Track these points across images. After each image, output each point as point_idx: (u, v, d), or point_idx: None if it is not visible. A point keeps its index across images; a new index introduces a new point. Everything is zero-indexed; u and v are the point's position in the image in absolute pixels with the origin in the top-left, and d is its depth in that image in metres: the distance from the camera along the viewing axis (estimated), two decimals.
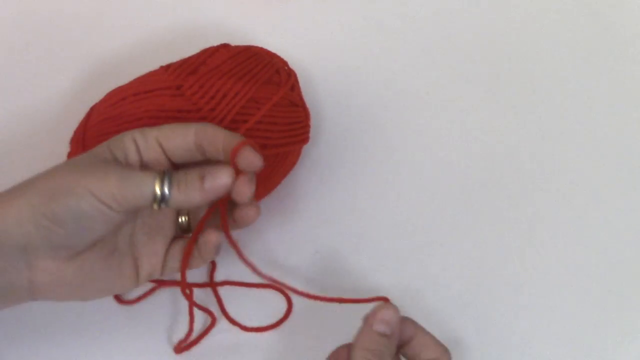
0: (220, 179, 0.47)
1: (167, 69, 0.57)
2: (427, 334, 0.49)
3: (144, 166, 0.49)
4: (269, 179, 0.58)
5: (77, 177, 0.46)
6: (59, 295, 0.48)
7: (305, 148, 0.61)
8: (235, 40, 0.60)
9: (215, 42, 0.59)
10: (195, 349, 0.55)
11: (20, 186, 0.47)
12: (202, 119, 0.54)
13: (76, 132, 0.57)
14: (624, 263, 0.60)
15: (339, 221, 0.60)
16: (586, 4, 0.72)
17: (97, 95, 0.58)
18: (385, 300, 0.49)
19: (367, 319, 0.48)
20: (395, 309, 0.48)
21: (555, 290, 0.58)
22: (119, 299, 0.56)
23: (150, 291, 0.56)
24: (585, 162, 0.64)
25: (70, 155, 0.56)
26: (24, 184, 0.47)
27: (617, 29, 0.71)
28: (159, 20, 0.69)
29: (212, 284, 0.56)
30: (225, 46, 0.59)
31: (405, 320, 0.49)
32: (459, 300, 0.57)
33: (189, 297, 0.52)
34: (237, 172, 0.48)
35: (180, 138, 0.49)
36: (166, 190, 0.46)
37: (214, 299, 0.56)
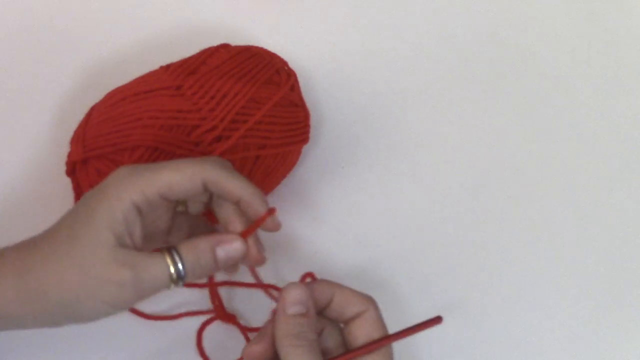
0: (234, 250, 0.47)
1: (167, 69, 0.57)
2: (345, 289, 0.47)
3: (148, 221, 0.47)
4: (269, 178, 0.58)
5: (92, 291, 0.44)
6: None
7: (305, 148, 0.61)
8: (235, 40, 0.60)
9: (215, 42, 0.59)
10: (195, 349, 0.55)
11: (31, 285, 0.45)
12: (202, 119, 0.54)
13: (76, 132, 0.57)
14: (624, 263, 0.60)
15: (339, 221, 0.60)
16: (586, 4, 0.72)
17: (97, 95, 0.58)
18: (438, 319, 0.47)
19: (279, 306, 0.46)
20: (301, 285, 0.46)
21: (555, 290, 0.58)
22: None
23: None
24: (585, 161, 0.64)
25: (70, 155, 0.56)
26: (36, 287, 0.45)
27: (617, 29, 0.71)
28: (159, 20, 0.68)
29: (211, 284, 0.56)
30: (225, 46, 0.59)
31: (320, 283, 0.47)
32: (459, 300, 0.57)
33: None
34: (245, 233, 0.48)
35: (187, 191, 0.47)
36: (180, 268, 0.45)
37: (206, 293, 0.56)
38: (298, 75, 0.60)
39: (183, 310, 0.56)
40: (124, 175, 0.46)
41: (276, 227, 0.49)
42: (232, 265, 0.48)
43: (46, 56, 0.67)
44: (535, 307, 0.58)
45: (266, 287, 0.56)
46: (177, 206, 0.51)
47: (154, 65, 0.58)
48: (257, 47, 0.60)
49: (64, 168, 0.56)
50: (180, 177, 0.46)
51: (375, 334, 0.46)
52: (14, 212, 0.59)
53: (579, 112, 0.66)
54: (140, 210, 0.46)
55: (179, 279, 0.45)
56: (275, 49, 0.61)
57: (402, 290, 0.57)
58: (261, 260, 0.49)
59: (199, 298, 0.56)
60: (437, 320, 0.47)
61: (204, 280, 0.56)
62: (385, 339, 0.46)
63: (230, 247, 0.47)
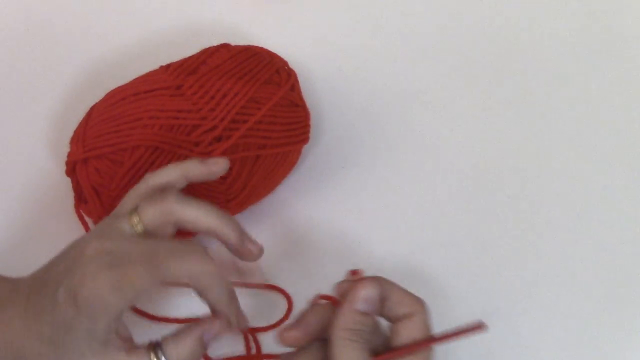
0: (218, 331, 0.47)
1: (167, 69, 0.57)
2: (400, 289, 0.47)
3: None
4: (269, 179, 0.58)
5: None
6: None
7: (305, 148, 0.61)
8: (235, 40, 0.60)
9: (215, 42, 0.59)
10: None
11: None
12: (202, 119, 0.54)
13: (76, 132, 0.57)
14: (624, 263, 0.60)
15: (339, 221, 0.60)
16: (586, 4, 0.72)
17: (97, 95, 0.58)
18: (481, 326, 0.47)
19: (349, 298, 0.46)
20: (375, 285, 0.46)
21: (556, 290, 0.58)
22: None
23: None
24: (586, 161, 0.64)
25: (70, 155, 0.56)
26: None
27: (617, 29, 0.71)
28: (159, 20, 0.69)
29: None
30: (225, 46, 0.59)
31: (379, 281, 0.47)
32: (459, 300, 0.57)
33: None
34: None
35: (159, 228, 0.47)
36: None
37: None
38: (298, 75, 0.60)
39: (184, 310, 0.56)
40: (97, 283, 0.43)
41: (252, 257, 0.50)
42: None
43: (46, 56, 0.67)
44: (536, 307, 0.58)
45: (266, 287, 0.56)
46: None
47: (154, 65, 0.58)
48: (257, 47, 0.60)
49: (64, 168, 0.56)
50: (154, 215, 0.47)
51: (420, 336, 0.46)
52: (14, 212, 0.59)
53: (580, 111, 0.66)
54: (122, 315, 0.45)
55: None
56: (275, 49, 0.61)
57: None
58: (244, 324, 0.49)
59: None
60: (480, 326, 0.47)
61: None
62: (429, 341, 0.46)
63: (214, 329, 0.47)
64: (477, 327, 0.47)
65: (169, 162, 0.53)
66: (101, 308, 0.43)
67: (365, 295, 0.46)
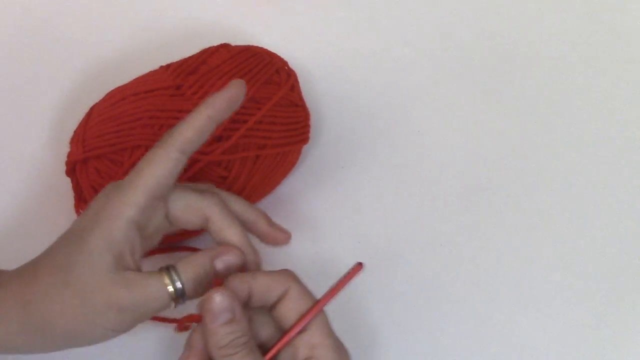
0: (232, 259, 0.47)
1: (167, 69, 0.57)
2: (259, 275, 0.46)
3: (145, 238, 0.47)
4: (269, 178, 0.58)
5: (93, 317, 0.44)
6: None
7: (305, 148, 0.61)
8: (235, 40, 0.60)
9: (215, 42, 0.59)
10: None
11: (33, 317, 0.44)
12: None
13: (76, 132, 0.57)
14: (625, 263, 0.60)
15: (339, 221, 0.60)
16: (586, 4, 0.72)
17: (97, 95, 0.58)
18: (359, 267, 0.46)
19: (204, 319, 0.44)
20: (221, 291, 0.44)
21: (556, 290, 0.58)
22: None
23: None
24: (586, 161, 0.64)
25: (70, 155, 0.56)
26: (38, 319, 0.44)
27: (617, 29, 0.71)
28: (159, 20, 0.69)
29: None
30: (225, 46, 0.59)
31: (233, 279, 0.45)
32: (459, 300, 0.57)
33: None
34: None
35: (189, 222, 0.48)
36: (180, 287, 0.45)
37: None
38: (298, 75, 0.60)
39: (184, 310, 0.55)
40: (110, 192, 0.46)
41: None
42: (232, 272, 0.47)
43: (46, 56, 0.67)
44: (537, 307, 0.58)
45: None
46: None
47: (154, 65, 0.58)
48: (257, 47, 0.60)
49: (64, 168, 0.56)
50: (162, 170, 0.46)
51: (305, 307, 0.45)
52: (14, 212, 0.59)
53: (580, 112, 0.66)
54: (138, 223, 0.45)
55: (180, 298, 0.45)
56: (275, 49, 0.61)
57: (402, 291, 0.57)
58: (258, 266, 0.49)
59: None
60: (357, 268, 0.46)
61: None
62: (314, 307, 0.45)
63: (228, 257, 0.47)
64: (355, 270, 0.46)
65: None
66: (119, 210, 0.44)
67: (216, 307, 0.44)
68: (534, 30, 0.70)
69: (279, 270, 0.46)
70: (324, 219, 0.60)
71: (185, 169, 0.54)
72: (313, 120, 0.61)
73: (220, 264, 0.46)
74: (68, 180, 0.57)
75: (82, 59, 0.66)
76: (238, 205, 0.50)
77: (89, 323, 0.44)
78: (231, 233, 0.48)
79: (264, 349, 0.45)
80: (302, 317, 0.44)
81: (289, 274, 0.46)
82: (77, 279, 0.44)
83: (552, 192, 0.62)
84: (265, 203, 0.59)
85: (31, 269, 0.46)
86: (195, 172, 0.54)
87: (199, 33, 0.68)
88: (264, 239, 0.51)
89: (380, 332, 0.55)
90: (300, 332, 0.45)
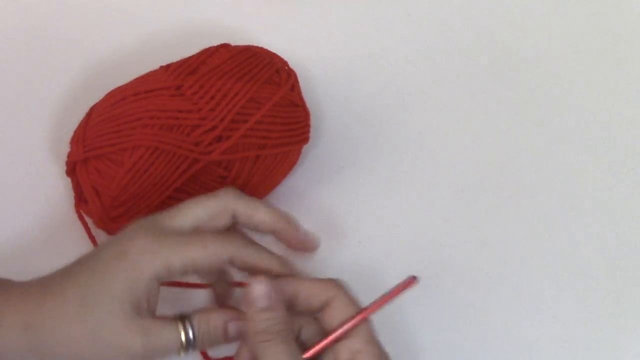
0: (244, 327, 0.46)
1: (167, 69, 0.57)
2: (306, 280, 0.46)
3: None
4: (269, 179, 0.58)
5: (101, 357, 0.44)
6: None
7: (305, 148, 0.61)
8: (235, 40, 0.60)
9: (215, 42, 0.59)
10: None
11: (38, 340, 0.44)
12: (202, 119, 0.54)
13: (76, 132, 0.57)
14: (624, 263, 0.60)
15: (339, 221, 0.60)
16: (586, 4, 0.72)
17: (97, 95, 0.58)
18: (413, 280, 0.45)
19: (244, 305, 0.45)
20: (261, 279, 0.45)
21: (556, 290, 0.58)
22: None
23: None
24: (586, 162, 0.64)
25: (70, 155, 0.56)
26: (43, 343, 0.44)
27: (617, 29, 0.71)
28: (159, 20, 0.68)
29: (212, 284, 0.56)
30: (225, 46, 0.59)
31: (281, 281, 0.46)
32: (459, 300, 0.57)
33: None
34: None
35: (210, 266, 0.46)
36: (191, 338, 0.45)
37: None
38: (298, 75, 0.60)
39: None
40: (147, 244, 0.45)
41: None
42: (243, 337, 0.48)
43: (46, 56, 0.67)
44: (537, 307, 0.58)
45: None
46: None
47: (154, 65, 0.58)
48: (257, 47, 0.60)
49: (64, 168, 0.56)
50: (206, 255, 0.46)
51: (349, 315, 0.45)
52: (14, 212, 0.59)
53: (580, 112, 0.66)
54: (162, 281, 0.46)
55: (189, 348, 0.45)
56: (275, 49, 0.61)
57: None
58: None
59: (199, 298, 0.56)
60: (411, 281, 0.46)
61: (204, 280, 0.56)
62: (359, 314, 0.45)
63: (242, 323, 0.46)
64: (408, 282, 0.46)
65: (169, 162, 0.54)
66: (150, 265, 0.44)
67: (255, 292, 0.45)
68: (534, 30, 0.70)
69: (327, 279, 0.47)
70: (324, 218, 0.60)
71: (185, 169, 0.54)
72: (313, 120, 0.61)
73: (233, 328, 0.46)
74: (68, 180, 0.57)
75: (82, 59, 0.66)
76: (265, 213, 0.49)
77: None
78: (263, 264, 0.47)
79: (305, 348, 0.46)
80: (346, 321, 0.45)
81: (336, 283, 0.46)
82: (91, 316, 0.44)
83: (553, 191, 0.62)
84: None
85: (39, 289, 0.45)
86: (195, 172, 0.54)
87: (199, 33, 0.68)
88: (293, 246, 0.51)
89: (379, 332, 0.55)
90: (343, 338, 0.45)
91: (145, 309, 0.45)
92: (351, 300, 0.46)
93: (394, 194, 0.62)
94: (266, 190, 0.59)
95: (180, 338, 0.45)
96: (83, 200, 0.56)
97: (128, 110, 0.55)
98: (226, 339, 0.46)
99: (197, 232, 0.47)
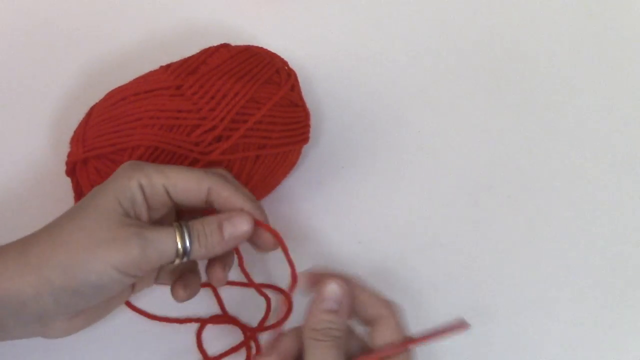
0: (240, 227, 0.47)
1: (167, 69, 0.57)
2: (367, 290, 0.47)
3: (150, 208, 0.47)
4: (269, 179, 0.58)
5: (97, 250, 0.44)
6: (64, 334, 0.49)
7: (305, 148, 0.61)
8: (235, 40, 0.60)
9: (215, 42, 0.59)
10: (194, 347, 0.55)
11: (32, 254, 0.44)
12: (202, 119, 0.54)
13: (76, 132, 0.57)
14: (624, 263, 0.60)
15: (339, 221, 0.60)
16: (586, 4, 0.72)
17: (97, 95, 0.58)
18: (463, 325, 0.46)
19: (314, 299, 0.46)
20: (340, 283, 0.45)
21: (556, 290, 0.58)
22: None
23: None
24: (586, 162, 0.64)
25: (70, 155, 0.56)
26: (38, 254, 0.44)
27: (617, 29, 0.71)
28: (159, 20, 0.69)
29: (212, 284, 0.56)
30: (225, 46, 0.59)
31: (346, 280, 0.47)
32: (460, 300, 0.57)
33: None
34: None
35: (190, 193, 0.47)
36: (187, 244, 0.46)
37: (213, 299, 0.56)
38: (298, 75, 0.60)
39: (185, 311, 0.56)
40: (131, 163, 0.48)
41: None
42: (238, 243, 0.48)
43: (46, 56, 0.67)
44: (539, 308, 0.58)
45: (266, 287, 0.56)
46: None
47: (154, 65, 0.58)
48: (257, 47, 0.60)
49: (64, 168, 0.56)
50: (187, 176, 0.47)
51: (395, 338, 0.46)
52: (14, 212, 0.59)
53: (580, 112, 0.66)
54: (146, 196, 0.46)
55: (185, 252, 0.46)
56: (275, 49, 0.61)
57: (402, 290, 0.57)
58: (270, 246, 0.49)
59: (199, 297, 0.56)
60: (463, 326, 0.46)
61: (204, 280, 0.56)
62: (406, 342, 0.46)
63: (237, 221, 0.47)
64: (458, 326, 0.46)
65: (169, 162, 0.54)
66: (130, 172, 0.46)
67: (329, 293, 0.45)
68: (534, 30, 0.70)
69: (385, 297, 0.47)
70: (324, 219, 0.60)
71: None
72: (313, 120, 0.61)
73: (228, 227, 0.47)
74: (68, 180, 0.57)
75: (82, 59, 0.66)
76: (239, 195, 0.49)
77: (89, 254, 0.44)
78: (237, 201, 0.48)
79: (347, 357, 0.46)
80: (394, 344, 0.45)
81: (392, 304, 0.47)
82: (85, 217, 0.45)
83: (553, 191, 0.62)
84: (265, 203, 0.59)
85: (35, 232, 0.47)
86: None
87: (199, 33, 0.68)
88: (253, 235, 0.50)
89: None
90: (384, 358, 0.46)
91: (135, 217, 0.46)
92: (399, 325, 0.46)
93: (394, 194, 0.62)
94: (266, 190, 0.59)
95: (176, 240, 0.45)
96: None
97: (128, 110, 0.55)
98: (222, 240, 0.47)
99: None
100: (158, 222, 0.49)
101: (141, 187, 0.46)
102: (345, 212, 0.61)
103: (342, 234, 0.60)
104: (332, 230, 0.60)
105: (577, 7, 0.71)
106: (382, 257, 0.59)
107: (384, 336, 0.46)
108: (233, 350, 0.55)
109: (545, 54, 0.69)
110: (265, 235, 0.49)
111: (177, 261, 0.46)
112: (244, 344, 0.55)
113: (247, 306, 0.56)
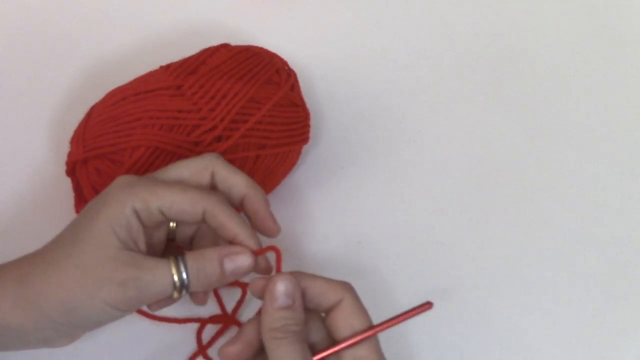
0: (241, 264, 0.47)
1: (167, 69, 0.57)
2: (318, 278, 0.46)
3: (147, 227, 0.47)
4: (269, 178, 0.58)
5: (93, 291, 0.44)
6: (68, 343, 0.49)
7: (305, 148, 0.61)
8: (235, 40, 0.60)
9: (215, 42, 0.59)
10: (194, 347, 0.55)
11: (31, 289, 0.44)
12: (202, 119, 0.54)
13: (76, 132, 0.57)
14: (624, 262, 0.60)
15: (339, 221, 0.60)
16: (586, 4, 0.72)
17: (97, 95, 0.58)
18: (428, 305, 0.46)
19: (265, 299, 0.45)
20: (288, 277, 0.45)
21: (556, 290, 0.58)
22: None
23: None
24: (586, 161, 0.64)
25: (70, 155, 0.56)
26: (37, 290, 0.44)
27: (617, 29, 0.71)
28: (159, 20, 0.69)
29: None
30: (225, 46, 0.59)
31: (296, 276, 0.46)
32: (460, 300, 0.57)
33: None
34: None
35: (185, 214, 0.46)
36: (184, 277, 0.45)
37: (213, 299, 0.56)
38: (298, 75, 0.60)
39: (184, 310, 0.56)
40: (125, 184, 0.46)
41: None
42: (237, 278, 0.48)
43: (46, 56, 0.67)
44: (536, 306, 0.58)
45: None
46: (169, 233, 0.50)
47: (154, 65, 0.58)
48: (257, 47, 0.60)
49: (64, 168, 0.56)
50: (182, 199, 0.46)
51: (356, 322, 0.45)
52: (14, 211, 0.59)
53: (580, 112, 0.66)
54: (141, 219, 0.46)
55: (183, 287, 0.45)
56: (275, 49, 0.61)
57: (402, 291, 0.57)
58: (268, 271, 0.49)
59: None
60: (426, 306, 0.46)
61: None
62: (371, 329, 0.45)
63: (239, 259, 0.47)
64: (423, 307, 0.46)
65: (169, 162, 0.54)
66: (125, 195, 0.45)
67: (279, 290, 0.45)
68: (534, 31, 0.70)
69: (338, 280, 0.47)
70: (324, 218, 0.60)
71: None
72: (313, 120, 0.61)
73: (229, 264, 0.46)
74: (68, 180, 0.57)
75: (82, 59, 0.66)
76: (241, 177, 0.49)
77: (87, 294, 0.44)
78: (233, 228, 0.47)
79: (312, 350, 0.46)
80: (357, 334, 0.45)
81: (346, 286, 0.46)
82: (81, 252, 0.45)
83: (553, 191, 0.62)
84: None
85: (33, 252, 0.47)
86: None
87: (199, 33, 0.68)
88: (259, 220, 0.50)
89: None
90: (350, 347, 0.45)
91: (133, 248, 0.45)
92: (359, 306, 0.46)
93: (393, 194, 0.62)
94: (266, 190, 0.59)
95: (173, 275, 0.45)
96: (83, 200, 0.56)
97: (128, 110, 0.55)
98: (222, 277, 0.46)
99: (178, 182, 0.48)
100: (156, 238, 0.49)
101: (136, 212, 0.45)
102: (345, 212, 0.61)
103: (342, 234, 0.60)
104: (332, 230, 0.60)
105: (577, 7, 0.72)
106: (382, 257, 0.59)
107: (344, 322, 0.45)
108: None
109: (545, 54, 0.69)
110: (260, 261, 0.48)
111: (176, 295, 0.46)
112: None
113: (247, 306, 0.56)
